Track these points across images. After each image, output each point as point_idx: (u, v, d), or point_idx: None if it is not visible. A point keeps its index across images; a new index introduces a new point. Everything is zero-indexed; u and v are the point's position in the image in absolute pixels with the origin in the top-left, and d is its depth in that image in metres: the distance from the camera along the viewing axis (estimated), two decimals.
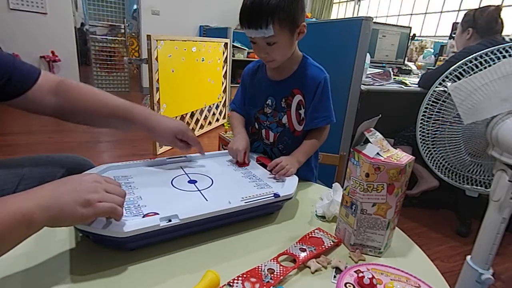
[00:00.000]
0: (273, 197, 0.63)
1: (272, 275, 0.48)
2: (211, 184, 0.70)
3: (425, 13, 4.41)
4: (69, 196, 0.44)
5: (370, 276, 0.46)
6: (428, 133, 0.92)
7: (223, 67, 3.51)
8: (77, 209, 0.44)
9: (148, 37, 2.32)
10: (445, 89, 0.84)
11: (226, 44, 3.44)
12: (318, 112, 0.88)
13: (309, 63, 0.90)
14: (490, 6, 1.74)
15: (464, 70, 0.82)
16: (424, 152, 0.94)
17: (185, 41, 2.75)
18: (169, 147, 2.81)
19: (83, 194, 0.45)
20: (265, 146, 0.98)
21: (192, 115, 3.20)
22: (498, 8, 1.71)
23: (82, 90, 0.73)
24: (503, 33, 1.76)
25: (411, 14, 4.64)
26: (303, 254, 0.53)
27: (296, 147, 0.90)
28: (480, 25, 1.72)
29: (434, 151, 0.92)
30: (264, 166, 0.82)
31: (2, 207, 0.40)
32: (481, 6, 1.80)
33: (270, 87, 0.92)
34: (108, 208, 0.47)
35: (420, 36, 3.67)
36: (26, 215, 0.41)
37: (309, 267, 0.52)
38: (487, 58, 0.78)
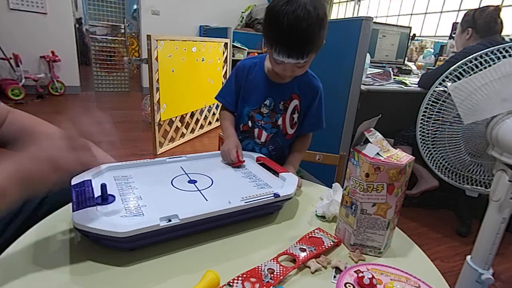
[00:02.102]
0: (273, 197, 0.63)
1: (272, 275, 0.48)
2: (211, 184, 0.70)
3: (425, 13, 4.40)
4: (35, 160, 0.45)
5: (370, 276, 0.46)
6: (428, 133, 0.92)
7: (223, 67, 3.51)
8: (46, 168, 0.45)
9: (148, 37, 2.32)
10: (445, 89, 0.84)
11: (226, 44, 3.44)
12: (317, 118, 0.96)
13: (308, 71, 0.92)
14: (489, 6, 1.74)
15: (464, 70, 0.82)
16: (424, 152, 0.94)
17: (185, 41, 2.75)
18: (169, 147, 2.81)
19: (51, 158, 0.46)
20: (255, 145, 0.98)
21: (192, 115, 3.20)
22: (498, 8, 1.72)
23: (31, 124, 0.76)
24: (503, 33, 1.76)
25: (411, 14, 4.64)
26: (303, 254, 0.53)
27: (285, 149, 0.97)
28: (480, 25, 1.72)
29: (434, 151, 0.92)
30: (264, 166, 0.82)
31: None
32: (481, 6, 1.80)
33: (270, 88, 0.92)
34: (77, 166, 0.48)
35: (420, 36, 3.67)
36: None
37: (309, 267, 0.52)
38: (487, 58, 0.78)
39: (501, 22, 1.71)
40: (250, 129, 0.97)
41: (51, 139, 0.49)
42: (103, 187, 0.57)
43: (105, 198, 0.57)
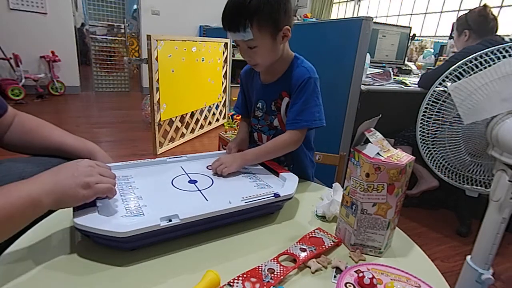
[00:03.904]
0: (273, 197, 0.63)
1: (272, 275, 0.48)
2: (211, 184, 0.70)
3: (425, 13, 4.41)
4: (69, 181, 0.51)
5: (370, 276, 0.46)
6: (428, 133, 0.92)
7: (223, 67, 3.51)
8: (78, 191, 0.51)
9: (148, 37, 2.32)
10: (445, 89, 0.84)
11: (226, 44, 3.44)
12: (292, 113, 0.84)
13: (298, 64, 0.86)
14: (477, 7, 1.79)
15: (464, 70, 0.82)
16: (424, 152, 0.94)
17: (185, 41, 2.75)
18: (169, 147, 2.81)
19: (82, 178, 0.52)
20: None
21: (192, 115, 3.20)
22: (485, 6, 1.76)
23: (36, 127, 0.78)
24: (503, 33, 1.77)
25: (411, 14, 4.65)
26: (303, 254, 0.53)
27: None
28: (475, 25, 1.74)
29: (434, 151, 0.92)
30: (265, 166, 0.82)
31: (12, 191, 0.46)
32: (476, 6, 1.83)
33: (261, 90, 0.92)
34: (106, 188, 0.55)
35: (420, 36, 3.67)
36: (34, 198, 0.47)
37: (310, 267, 0.52)
38: (487, 58, 0.78)
39: (494, 18, 1.73)
40: (251, 134, 0.99)
41: (86, 161, 0.57)
42: None
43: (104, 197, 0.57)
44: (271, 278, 0.47)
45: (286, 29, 0.79)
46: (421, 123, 0.93)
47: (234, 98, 3.79)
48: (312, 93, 0.83)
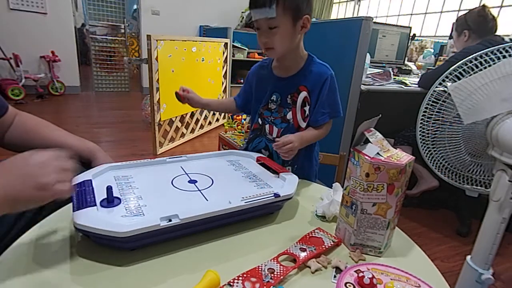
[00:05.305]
0: (273, 197, 0.63)
1: (272, 275, 0.48)
2: (211, 184, 0.70)
3: (425, 13, 4.41)
4: (19, 182, 0.45)
5: (370, 275, 0.46)
6: (428, 133, 0.92)
7: (223, 67, 3.51)
8: (32, 192, 0.45)
9: (148, 37, 2.32)
10: (445, 89, 0.84)
11: (226, 44, 3.44)
12: (325, 108, 0.91)
13: (315, 61, 0.93)
14: (476, 7, 1.80)
15: (464, 70, 0.82)
16: (424, 152, 0.94)
17: (185, 41, 2.75)
18: (169, 147, 2.81)
19: (35, 179, 0.46)
20: (268, 142, 0.99)
21: (192, 115, 3.20)
22: (484, 6, 1.76)
23: (36, 126, 0.78)
24: (503, 33, 1.77)
25: (411, 14, 4.64)
26: (303, 254, 0.53)
27: None
28: (474, 25, 1.75)
29: (434, 151, 0.92)
30: (264, 166, 0.82)
31: None
32: (476, 7, 1.83)
33: (275, 83, 0.94)
34: (65, 191, 0.48)
35: (420, 36, 3.67)
36: None
37: (309, 267, 0.52)
38: (487, 58, 0.78)
39: (494, 19, 1.73)
40: (261, 126, 0.99)
41: (38, 156, 0.49)
42: (109, 189, 0.56)
43: (111, 201, 0.57)
44: (271, 278, 0.47)
45: (306, 18, 0.82)
46: (421, 123, 0.93)
47: None
48: (336, 87, 0.92)
